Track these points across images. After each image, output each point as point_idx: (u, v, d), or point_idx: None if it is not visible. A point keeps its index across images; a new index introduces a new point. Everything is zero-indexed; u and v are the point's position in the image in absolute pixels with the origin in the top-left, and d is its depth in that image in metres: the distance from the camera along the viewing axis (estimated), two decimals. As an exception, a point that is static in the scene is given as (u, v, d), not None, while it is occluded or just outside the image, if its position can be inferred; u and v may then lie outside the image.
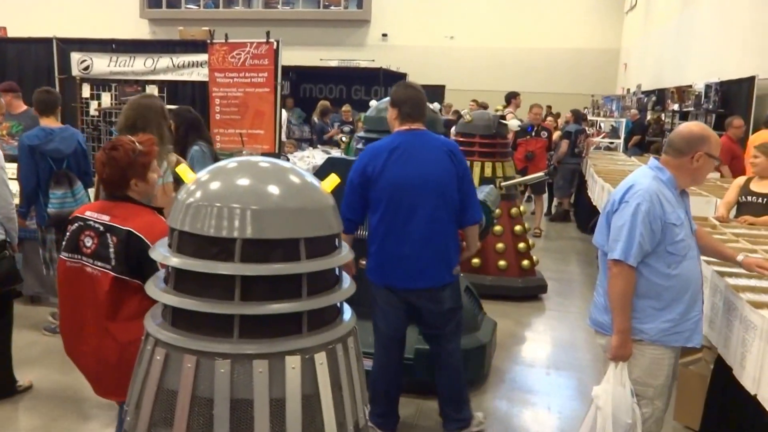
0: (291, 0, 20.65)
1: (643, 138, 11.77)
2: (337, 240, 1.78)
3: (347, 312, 1.82)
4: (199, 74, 7.41)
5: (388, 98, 3.96)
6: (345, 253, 1.76)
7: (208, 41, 7.27)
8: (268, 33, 7.26)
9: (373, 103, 4.35)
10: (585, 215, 9.09)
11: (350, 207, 3.14)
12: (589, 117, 13.20)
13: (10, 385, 3.79)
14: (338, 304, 1.79)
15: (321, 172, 3.75)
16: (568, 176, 9.67)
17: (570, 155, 9.47)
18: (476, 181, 5.88)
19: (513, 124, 6.03)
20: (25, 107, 5.88)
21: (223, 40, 7.22)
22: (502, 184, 5.89)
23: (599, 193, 7.03)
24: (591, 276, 6.46)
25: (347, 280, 1.82)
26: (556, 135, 9.80)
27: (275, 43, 7.16)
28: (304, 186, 1.76)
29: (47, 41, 7.64)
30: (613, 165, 8.53)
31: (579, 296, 6.21)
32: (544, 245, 8.42)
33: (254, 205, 1.60)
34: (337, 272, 1.80)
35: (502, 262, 5.90)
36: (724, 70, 9.08)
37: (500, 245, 5.91)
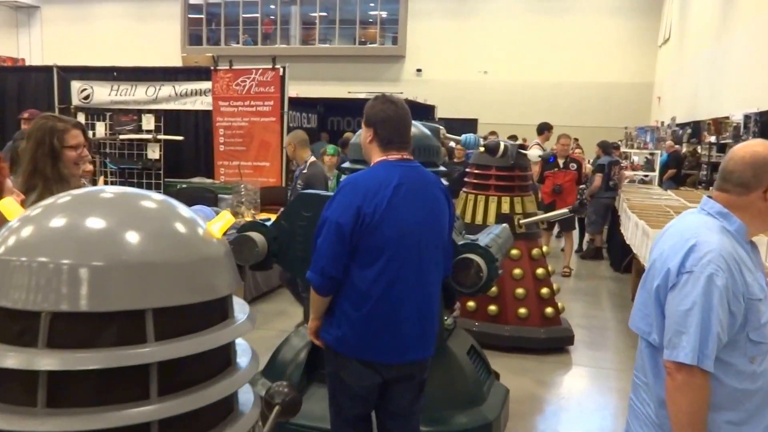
0: (328, 37, 20.63)
1: (679, 171, 11.12)
2: (225, 306, 1.23)
3: (248, 399, 1.27)
4: (203, 103, 7.04)
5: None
6: (239, 324, 1.21)
7: (212, 68, 6.90)
8: (274, 59, 6.86)
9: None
10: (619, 252, 8.38)
11: (336, 260, 2.34)
12: (623, 149, 12.56)
13: None
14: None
15: (292, 211, 3.21)
16: (601, 211, 9.03)
17: (604, 189, 8.86)
18: (492, 218, 5.28)
19: (533, 154, 5.42)
20: None
21: (227, 67, 6.84)
22: (522, 221, 5.27)
23: (632, 230, 6.35)
24: (626, 323, 5.74)
25: (246, 358, 1.26)
26: (588, 168, 9.20)
27: (281, 70, 6.73)
28: (164, 229, 1.19)
29: (48, 69, 7.39)
30: (648, 199, 7.84)
31: (612, 348, 5.48)
32: (574, 286, 7.72)
33: (71, 258, 1.04)
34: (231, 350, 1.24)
35: (522, 310, 5.23)
36: (762, 99, 8.44)
37: (520, 290, 5.25)
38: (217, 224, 1.28)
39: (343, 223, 2.31)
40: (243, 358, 1.27)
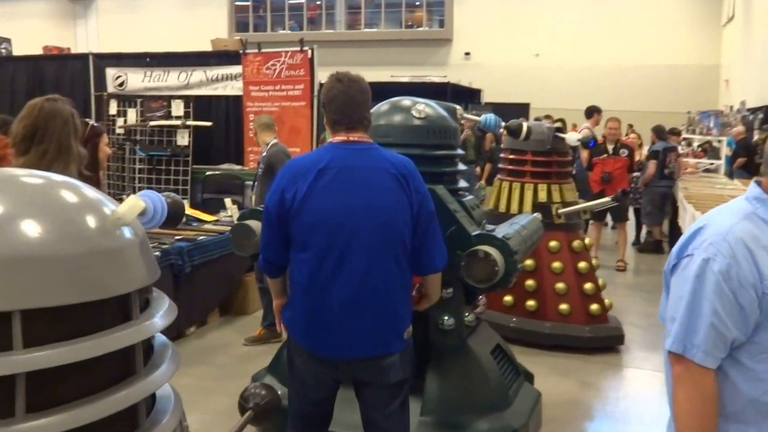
0: (374, 21, 20.32)
1: (751, 159, 10.27)
2: (126, 305, 1.05)
3: (166, 407, 1.12)
4: (233, 88, 6.86)
5: (395, 99, 3.17)
6: (142, 326, 1.03)
7: (241, 51, 6.71)
8: (301, 41, 6.61)
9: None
10: (678, 246, 7.80)
11: (269, 246, 2.32)
12: (684, 135, 11.81)
13: None
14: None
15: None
16: (657, 201, 8.44)
17: (659, 177, 8.28)
18: (528, 207, 4.89)
19: (571, 137, 4.96)
20: None
21: (257, 50, 6.64)
22: (560, 211, 4.86)
23: (689, 221, 5.84)
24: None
25: (163, 363, 1.11)
26: (643, 154, 8.63)
27: (310, 52, 6.48)
28: (46, 217, 1.00)
29: (84, 57, 7.37)
30: (709, 188, 7.27)
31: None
32: (630, 281, 7.23)
33: None
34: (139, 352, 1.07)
35: (563, 306, 4.82)
36: None
37: (560, 285, 4.85)
38: (124, 210, 1.07)
39: (270, 207, 2.27)
40: (157, 364, 1.10)
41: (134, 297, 1.04)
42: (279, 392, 1.52)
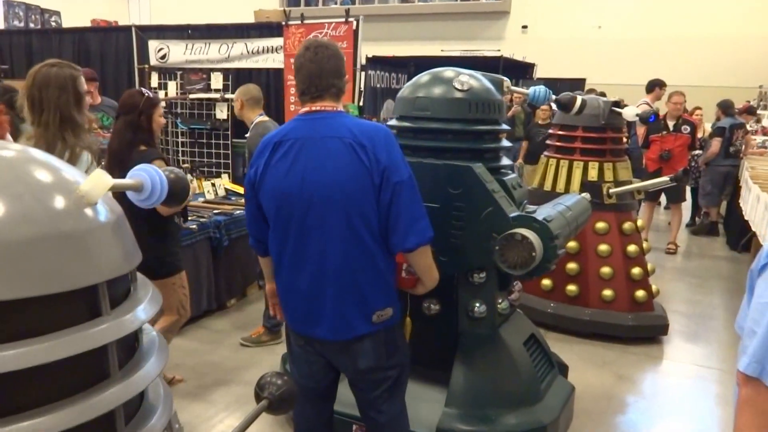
0: (430, -7, 19.82)
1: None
2: (94, 299, 0.92)
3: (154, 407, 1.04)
4: (275, 60, 6.71)
5: (437, 69, 2.93)
6: (111, 324, 0.92)
7: (284, 23, 6.54)
8: (347, 11, 6.38)
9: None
10: (738, 229, 7.34)
11: (250, 220, 2.31)
12: (758, 111, 11.10)
13: None
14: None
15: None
16: (718, 181, 7.95)
17: (723, 156, 7.78)
18: (576, 186, 4.59)
19: (628, 112, 4.61)
20: (100, 98, 5.68)
21: (299, 21, 6.46)
22: (612, 191, 4.54)
23: (753, 203, 5.42)
24: (737, 312, 4.91)
25: (149, 361, 1.01)
26: (706, 131, 8.11)
27: (354, 23, 6.26)
28: None
29: (127, 29, 7.34)
30: (778, 168, 6.76)
31: (716, 342, 4.66)
32: (680, 265, 6.83)
33: None
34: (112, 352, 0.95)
35: (607, 292, 4.55)
36: None
37: (606, 270, 4.55)
38: (88, 187, 0.92)
39: (247, 185, 2.24)
40: (139, 364, 0.99)
41: (102, 289, 0.90)
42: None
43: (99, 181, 0.94)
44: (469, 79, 2.80)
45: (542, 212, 2.72)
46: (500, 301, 2.93)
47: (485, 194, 2.61)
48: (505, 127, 3.01)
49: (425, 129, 2.77)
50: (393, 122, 2.95)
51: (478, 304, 2.79)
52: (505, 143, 3.03)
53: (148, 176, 1.38)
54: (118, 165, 3.02)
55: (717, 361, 4.29)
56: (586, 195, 3.45)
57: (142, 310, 0.99)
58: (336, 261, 2.06)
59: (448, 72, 2.84)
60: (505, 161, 2.98)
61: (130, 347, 1.02)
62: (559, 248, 2.57)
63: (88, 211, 0.91)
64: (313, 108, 2.14)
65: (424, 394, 2.79)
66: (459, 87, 2.77)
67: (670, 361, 4.34)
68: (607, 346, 4.39)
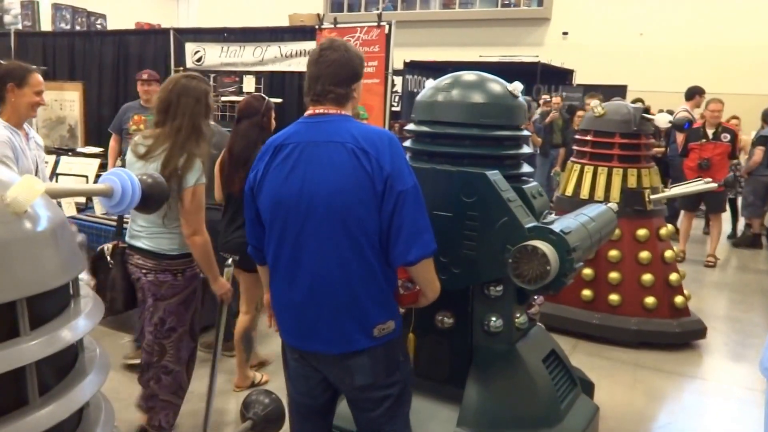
0: (470, 0, 19.68)
1: None
2: (11, 317, 0.86)
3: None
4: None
5: (457, 73, 2.87)
6: (29, 345, 0.86)
7: (317, 27, 6.55)
8: (379, 15, 6.36)
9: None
10: (782, 243, 7.08)
11: (249, 227, 2.24)
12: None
13: None
14: None
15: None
16: (760, 191, 7.68)
17: (765, 165, 7.52)
18: (616, 193, 4.52)
19: (662, 118, 4.52)
20: None
21: (332, 25, 6.45)
22: (656, 196, 4.55)
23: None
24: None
25: (81, 382, 0.95)
26: (745, 140, 7.85)
27: (387, 27, 6.22)
28: None
29: (165, 32, 7.45)
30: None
31: (757, 361, 4.44)
32: (719, 279, 6.59)
33: None
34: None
35: (649, 299, 4.50)
36: None
37: (647, 277, 4.51)
38: (15, 193, 0.88)
39: (246, 189, 2.18)
40: (69, 386, 0.92)
41: (21, 307, 0.83)
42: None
43: (28, 188, 0.87)
44: (489, 83, 2.73)
45: (562, 223, 2.62)
46: (518, 315, 2.84)
47: (500, 203, 2.50)
48: (525, 132, 2.93)
49: (443, 134, 2.70)
50: (411, 126, 2.90)
51: (494, 318, 2.69)
52: (527, 149, 2.95)
53: (119, 181, 1.31)
54: (242, 165, 3.31)
55: (757, 380, 4.10)
56: (612, 205, 3.33)
57: (74, 327, 0.91)
58: (334, 272, 1.98)
59: (468, 76, 2.77)
60: (526, 168, 2.90)
61: (62, 368, 0.94)
62: (577, 261, 2.47)
63: (13, 220, 0.85)
64: (316, 111, 2.07)
65: (435, 412, 2.69)
66: (479, 91, 2.70)
67: (706, 381, 4.17)
68: (637, 363, 4.26)
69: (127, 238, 2.93)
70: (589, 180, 4.68)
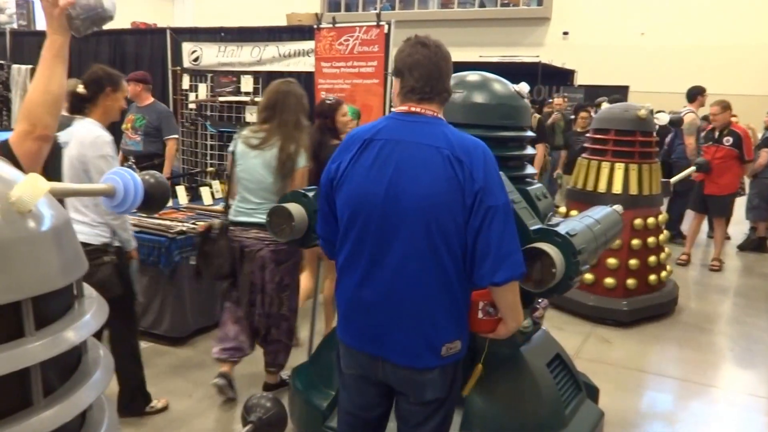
0: (469, 0, 19.64)
1: None
2: (15, 317, 0.85)
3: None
4: (306, 64, 6.63)
5: (461, 74, 2.79)
6: (32, 347, 0.84)
7: (315, 26, 6.47)
8: (378, 15, 6.28)
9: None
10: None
11: (322, 219, 2.13)
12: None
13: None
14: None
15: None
16: (766, 194, 7.59)
17: (772, 168, 7.45)
18: (656, 185, 5.25)
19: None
20: (151, 100, 5.91)
21: (331, 25, 6.37)
22: (672, 180, 5.49)
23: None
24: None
25: (84, 384, 0.92)
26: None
27: (386, 26, 6.15)
28: None
29: (162, 32, 7.37)
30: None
31: (765, 369, 4.35)
32: (724, 283, 6.51)
33: None
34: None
35: (652, 277, 5.20)
36: None
37: (652, 258, 5.18)
38: (19, 192, 0.86)
39: (323, 180, 2.08)
40: (72, 388, 0.89)
41: (26, 307, 0.81)
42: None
43: (32, 187, 0.86)
44: (493, 83, 2.67)
45: (567, 225, 2.55)
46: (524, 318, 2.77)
47: (505, 205, 2.45)
48: (529, 134, 2.86)
49: (445, 134, 2.63)
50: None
51: (497, 322, 2.62)
52: (530, 150, 2.88)
53: (122, 181, 1.29)
54: (315, 160, 3.68)
55: (765, 389, 4.01)
56: (617, 207, 3.26)
57: (78, 328, 0.90)
58: (411, 282, 1.88)
59: (471, 76, 2.72)
60: (530, 170, 2.83)
61: (67, 369, 0.93)
62: (583, 264, 2.40)
63: (17, 220, 0.83)
64: (413, 109, 1.95)
65: (437, 416, 2.63)
66: (484, 91, 2.64)
67: (713, 387, 4.08)
68: (642, 368, 4.17)
69: (235, 217, 3.46)
70: (636, 176, 5.04)
